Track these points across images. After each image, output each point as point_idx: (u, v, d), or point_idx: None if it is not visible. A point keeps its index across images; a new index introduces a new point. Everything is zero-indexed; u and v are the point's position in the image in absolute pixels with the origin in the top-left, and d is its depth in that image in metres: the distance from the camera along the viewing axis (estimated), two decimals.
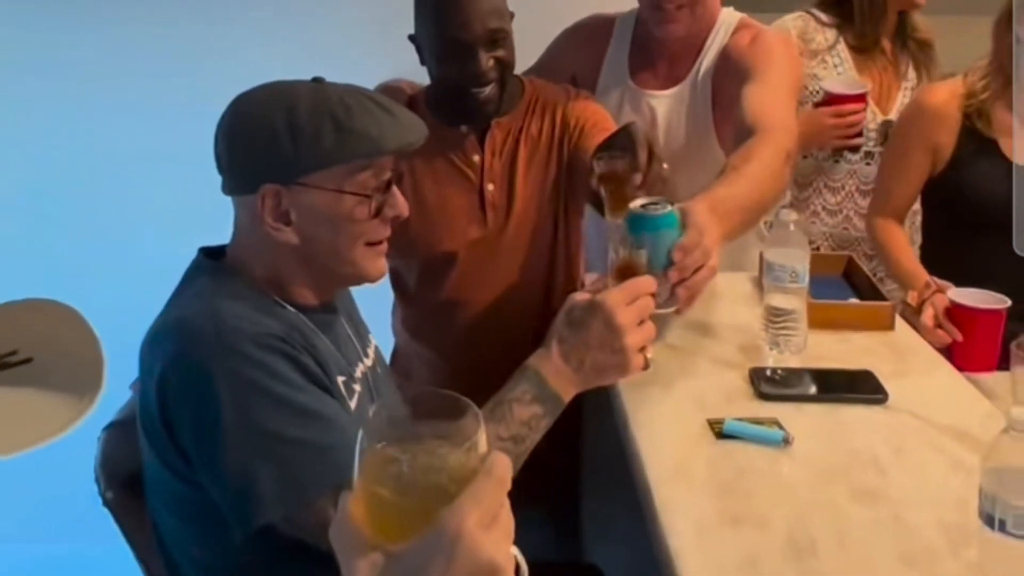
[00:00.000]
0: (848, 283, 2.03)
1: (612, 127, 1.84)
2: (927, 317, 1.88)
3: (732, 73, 1.94)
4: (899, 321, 1.87)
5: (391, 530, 0.62)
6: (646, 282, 1.31)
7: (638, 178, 1.44)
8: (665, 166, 1.49)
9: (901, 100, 2.42)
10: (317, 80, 1.30)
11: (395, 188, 1.32)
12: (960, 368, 1.76)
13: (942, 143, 2.10)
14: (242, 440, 1.14)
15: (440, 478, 0.63)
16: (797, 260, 1.71)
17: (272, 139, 1.23)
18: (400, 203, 1.32)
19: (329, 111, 1.23)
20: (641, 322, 1.30)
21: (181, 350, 1.18)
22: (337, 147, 1.22)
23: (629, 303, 1.29)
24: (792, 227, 1.74)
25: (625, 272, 1.35)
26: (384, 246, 1.34)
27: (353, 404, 1.30)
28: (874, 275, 2.11)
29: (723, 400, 1.57)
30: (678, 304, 1.41)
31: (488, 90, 1.75)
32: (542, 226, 1.88)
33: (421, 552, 0.60)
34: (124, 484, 1.39)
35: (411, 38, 1.82)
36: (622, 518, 1.73)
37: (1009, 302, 1.85)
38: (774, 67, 1.90)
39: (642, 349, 1.31)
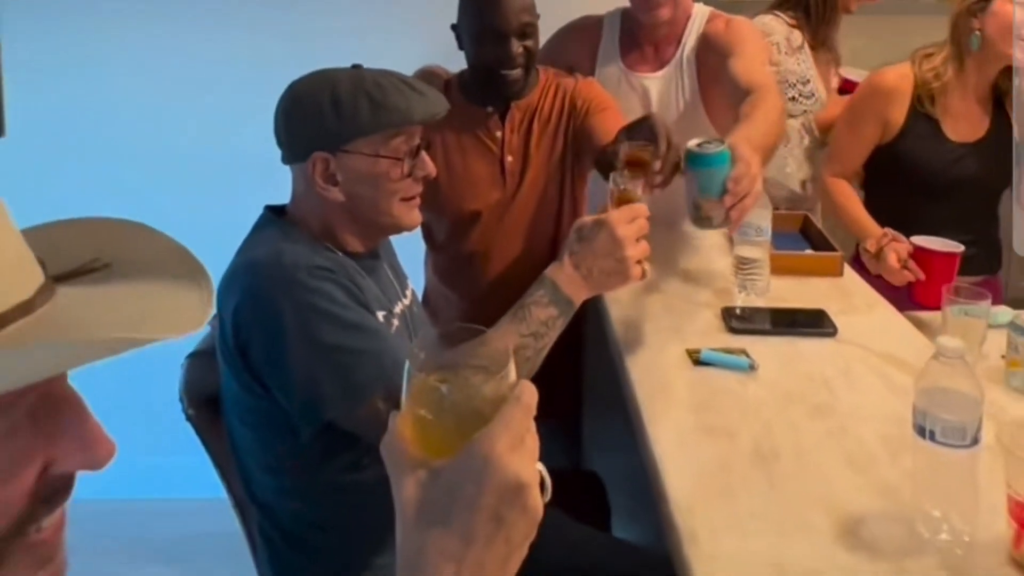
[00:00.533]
0: (804, 237, 2.02)
1: (613, 106, 1.85)
2: (892, 260, 1.88)
3: (714, 53, 1.94)
4: (847, 268, 1.87)
5: (433, 448, 0.61)
6: (642, 208, 1.34)
7: (658, 164, 1.45)
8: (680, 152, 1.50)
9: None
10: (356, 66, 1.32)
11: (424, 153, 1.33)
12: (920, 304, 1.77)
13: (892, 118, 2.08)
14: (305, 353, 1.17)
15: (475, 403, 0.61)
16: (761, 218, 1.71)
17: (319, 115, 1.26)
18: (428, 165, 1.33)
19: (365, 90, 1.26)
20: (639, 240, 1.31)
21: (251, 285, 1.20)
22: (373, 119, 1.25)
23: (629, 222, 1.30)
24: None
25: (623, 200, 1.38)
26: (417, 200, 1.35)
27: (393, 335, 1.31)
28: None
29: (699, 334, 1.57)
30: (731, 224, 1.45)
31: (515, 73, 1.77)
32: (551, 190, 1.89)
33: (457, 470, 0.59)
34: (203, 403, 1.40)
35: (453, 27, 1.84)
36: (617, 432, 1.73)
37: (963, 248, 1.86)
38: (749, 43, 1.91)
39: (639, 263, 1.32)
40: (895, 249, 1.90)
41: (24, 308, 0.53)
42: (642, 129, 1.53)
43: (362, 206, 1.30)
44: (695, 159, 1.41)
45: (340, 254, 1.31)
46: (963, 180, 2.00)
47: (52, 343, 0.51)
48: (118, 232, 0.58)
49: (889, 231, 1.96)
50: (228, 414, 1.32)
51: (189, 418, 1.40)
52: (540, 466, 0.61)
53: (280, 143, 1.33)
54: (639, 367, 1.47)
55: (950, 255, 1.86)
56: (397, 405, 0.63)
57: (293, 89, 1.31)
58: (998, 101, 2.08)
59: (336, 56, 1.40)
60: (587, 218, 1.33)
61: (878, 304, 1.73)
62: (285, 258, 1.20)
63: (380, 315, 1.30)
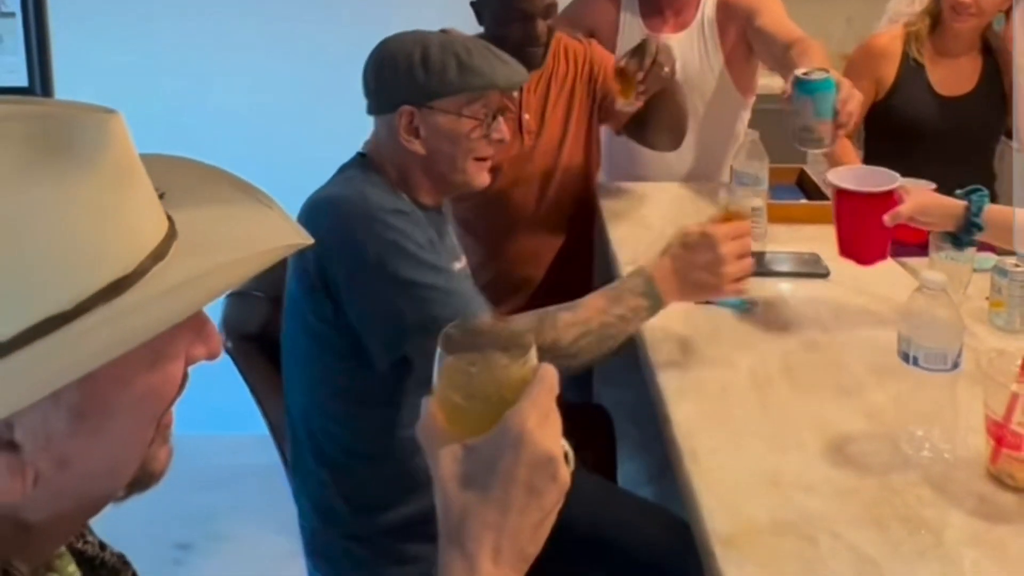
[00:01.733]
0: (800, 188, 2.04)
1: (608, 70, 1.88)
2: None
3: (735, 17, 1.99)
4: None
5: (465, 428, 0.63)
6: (747, 226, 1.30)
7: (640, 75, 1.57)
8: (667, 69, 1.63)
9: None
10: (444, 31, 1.36)
11: (500, 117, 1.34)
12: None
13: (884, 75, 2.11)
14: (386, 287, 1.20)
15: (502, 386, 0.63)
16: (759, 169, 1.73)
17: (409, 69, 1.28)
18: (503, 129, 1.35)
19: (454, 51, 1.29)
20: (741, 257, 1.26)
21: (336, 219, 1.23)
22: (459, 79, 1.28)
23: (733, 239, 1.26)
24: (754, 143, 1.76)
25: (731, 216, 1.32)
26: (488, 162, 1.36)
27: None
28: None
29: None
30: (834, 144, 1.55)
31: (540, 51, 1.79)
32: (567, 146, 1.91)
33: (493, 445, 0.60)
34: (241, 339, 1.45)
35: (473, 4, 1.85)
36: (623, 370, 1.76)
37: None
38: (768, 2, 1.97)
39: (738, 281, 1.28)
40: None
41: (170, 234, 0.56)
42: (637, 47, 1.64)
43: (440, 161, 1.32)
44: (808, 86, 1.48)
45: (416, 208, 1.33)
46: (953, 132, 2.01)
47: (233, 259, 0.55)
48: (154, 164, 0.59)
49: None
50: (290, 343, 1.34)
51: (227, 351, 1.44)
52: (564, 441, 0.63)
53: (368, 93, 1.36)
54: None
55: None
56: None
57: (387, 44, 1.34)
58: (989, 55, 2.07)
59: (353, 31, 1.42)
60: (693, 226, 1.30)
61: None
62: (370, 198, 1.24)
63: (455, 266, 1.34)
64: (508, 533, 0.60)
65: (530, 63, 1.79)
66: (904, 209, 1.37)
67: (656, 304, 1.27)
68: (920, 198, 1.40)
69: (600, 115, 1.95)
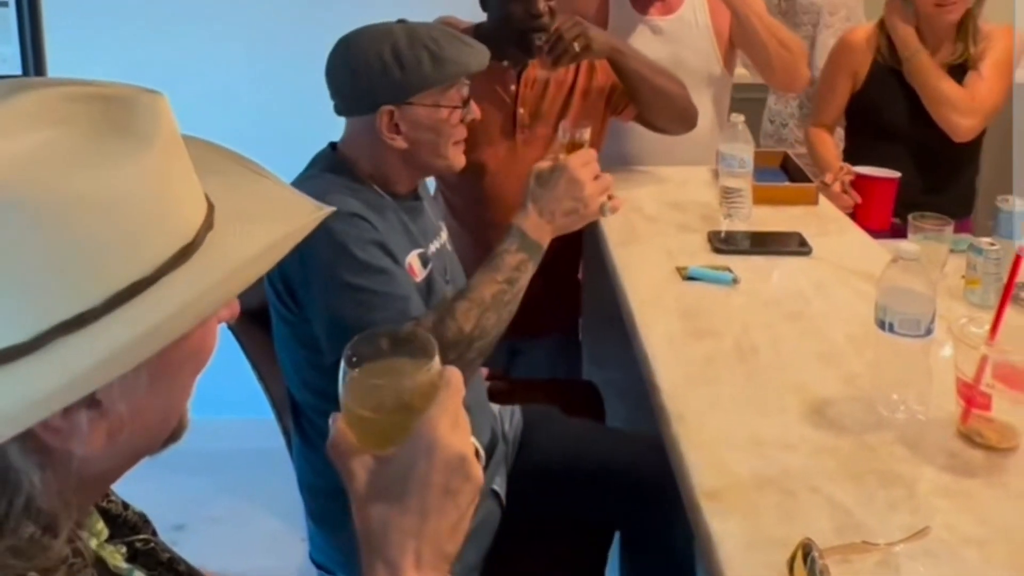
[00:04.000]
0: (784, 171, 2.09)
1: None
2: (836, 186, 1.96)
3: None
4: (821, 198, 1.94)
5: (376, 441, 0.64)
6: (592, 152, 1.40)
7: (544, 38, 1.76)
8: (571, 39, 1.73)
9: None
10: (401, 21, 1.35)
11: (472, 101, 1.38)
12: (862, 226, 1.84)
13: (860, 71, 2.15)
14: (332, 290, 1.24)
15: (409, 395, 0.64)
16: (744, 152, 1.77)
17: (384, 71, 1.29)
18: (475, 109, 1.38)
19: (423, 43, 1.30)
20: (596, 178, 1.37)
21: None
22: (435, 72, 1.30)
23: (584, 164, 1.36)
24: (740, 127, 1.80)
25: (574, 146, 1.47)
26: (463, 144, 1.40)
27: (425, 273, 1.36)
28: None
29: (688, 254, 1.64)
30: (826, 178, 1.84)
31: (542, 34, 1.78)
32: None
33: (406, 455, 0.62)
34: (240, 314, 1.48)
35: None
36: (613, 347, 1.81)
37: (899, 175, 1.96)
38: None
39: (607, 198, 1.38)
40: (840, 178, 1.97)
41: (211, 206, 0.60)
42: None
43: (422, 152, 1.35)
44: None
45: (387, 196, 1.35)
46: (926, 126, 2.05)
47: (286, 231, 0.60)
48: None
49: (845, 164, 2.03)
50: (276, 338, 1.39)
51: (228, 325, 1.47)
52: (473, 439, 0.67)
53: (338, 95, 1.36)
54: (633, 282, 1.55)
55: (888, 181, 1.95)
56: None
57: (351, 44, 1.33)
58: (964, 46, 2.12)
59: (350, 15, 1.43)
60: (544, 163, 1.38)
61: (850, 228, 1.81)
62: (327, 199, 1.25)
63: (416, 253, 1.35)
64: (428, 537, 0.62)
65: (533, 47, 1.81)
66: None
67: (536, 251, 1.33)
68: None
69: (614, 108, 1.96)
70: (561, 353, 2.03)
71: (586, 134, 1.47)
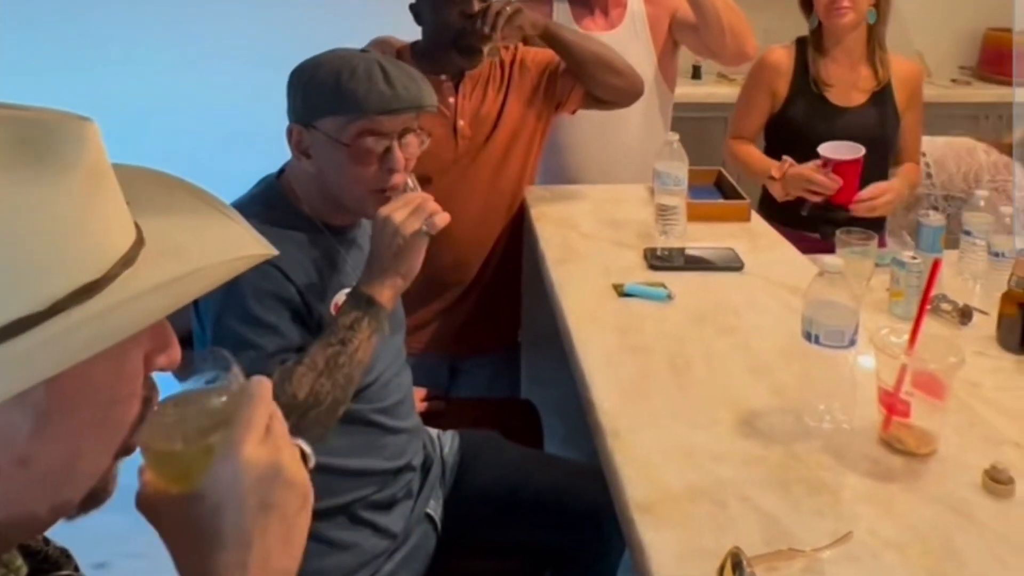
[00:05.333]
0: (718, 189, 2.15)
1: (546, 59, 1.95)
2: (809, 171, 2.00)
3: (663, 10, 2.15)
4: (754, 214, 2.00)
5: (181, 481, 0.61)
6: (410, 195, 1.29)
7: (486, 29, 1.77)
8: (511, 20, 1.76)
9: None
10: (364, 50, 1.34)
11: (395, 148, 1.27)
12: (841, 204, 1.98)
13: (778, 90, 2.22)
14: (219, 332, 1.23)
15: (204, 420, 0.61)
16: (679, 169, 1.82)
17: (297, 88, 1.30)
18: (396, 160, 1.27)
19: (337, 71, 1.24)
20: (414, 211, 1.26)
21: None
22: (330, 100, 1.25)
23: (398, 208, 1.26)
24: (675, 145, 1.85)
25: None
26: (385, 193, 1.29)
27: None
28: None
29: (624, 271, 1.68)
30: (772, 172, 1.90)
31: (477, 41, 1.79)
32: (502, 151, 1.94)
33: (213, 484, 0.59)
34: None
35: (411, 7, 1.88)
36: (551, 365, 1.83)
37: (863, 150, 2.02)
38: None
39: (424, 218, 1.26)
40: (802, 167, 2.01)
41: (138, 241, 0.57)
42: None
43: (328, 183, 1.30)
44: None
45: (324, 231, 1.32)
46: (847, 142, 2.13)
47: (202, 267, 0.56)
48: (119, 172, 0.60)
49: (788, 158, 2.08)
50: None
51: None
52: (298, 441, 0.63)
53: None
54: (570, 299, 1.57)
55: (853, 161, 2.01)
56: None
57: (305, 61, 1.32)
58: (876, 69, 2.21)
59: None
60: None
61: (780, 244, 1.86)
62: None
63: (345, 293, 1.30)
64: (256, 563, 0.59)
65: (469, 48, 1.83)
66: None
67: (370, 306, 1.24)
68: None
69: (559, 98, 1.97)
70: (503, 371, 2.04)
71: (411, 181, 1.33)
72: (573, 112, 2.00)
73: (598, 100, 1.96)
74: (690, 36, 2.17)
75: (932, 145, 2.51)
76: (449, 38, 1.82)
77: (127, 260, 0.55)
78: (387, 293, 1.26)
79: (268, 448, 0.60)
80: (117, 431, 0.58)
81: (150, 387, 0.60)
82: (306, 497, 0.62)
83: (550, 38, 1.87)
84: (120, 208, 0.57)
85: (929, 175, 2.50)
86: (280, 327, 1.23)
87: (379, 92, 1.24)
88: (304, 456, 0.63)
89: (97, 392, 0.55)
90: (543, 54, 1.96)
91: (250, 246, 0.62)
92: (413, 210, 1.26)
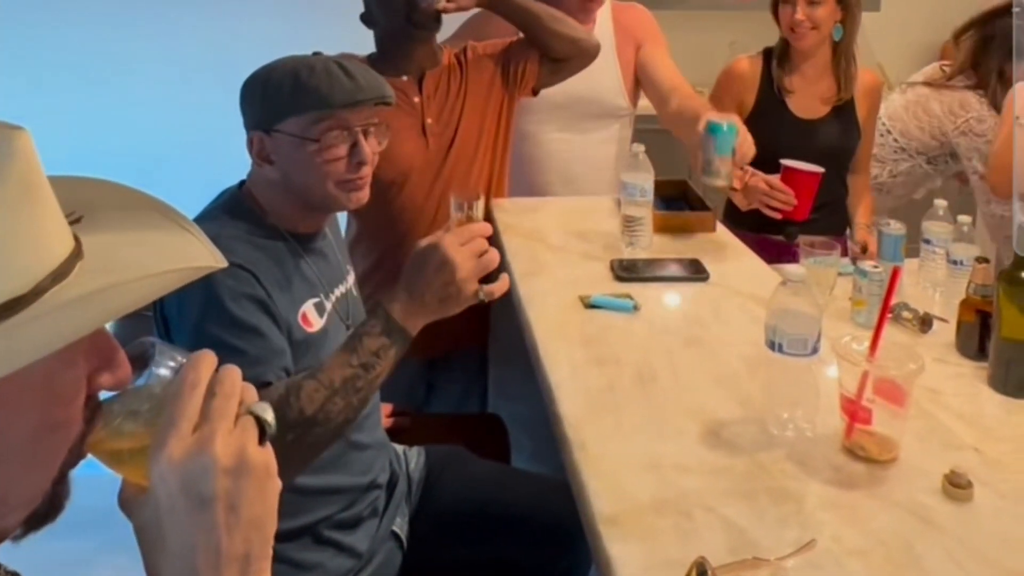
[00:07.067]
0: (684, 200, 2.17)
1: (499, 46, 1.99)
2: (762, 184, 1.99)
3: (630, 36, 2.21)
4: (719, 225, 2.02)
5: (144, 478, 0.60)
6: (480, 226, 1.26)
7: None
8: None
9: None
10: (316, 53, 1.34)
11: (362, 140, 1.29)
12: (790, 219, 2.00)
13: (745, 101, 2.26)
14: (200, 341, 1.19)
15: (146, 410, 0.60)
16: (644, 181, 1.84)
17: (253, 95, 1.30)
18: (362, 152, 1.29)
19: (294, 72, 1.27)
20: (480, 256, 1.23)
21: None
22: (291, 100, 1.26)
23: (463, 243, 1.21)
24: (641, 156, 1.87)
25: (462, 223, 1.28)
26: (357, 183, 1.31)
27: (322, 323, 1.32)
28: None
29: (590, 282, 1.68)
30: (731, 183, 1.81)
31: (428, 29, 1.83)
32: (472, 147, 1.95)
33: (156, 489, 0.58)
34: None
35: (362, 16, 1.90)
36: (519, 379, 1.82)
37: (823, 170, 2.03)
38: (656, 35, 2.24)
39: (481, 283, 1.23)
40: (763, 178, 2.02)
41: (74, 254, 0.55)
42: None
43: (294, 185, 1.30)
44: (716, 128, 1.74)
45: (290, 239, 1.31)
46: (810, 153, 2.17)
47: (132, 278, 0.54)
48: (75, 186, 0.60)
49: (749, 167, 2.10)
50: None
51: None
52: (256, 409, 0.60)
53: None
54: (537, 311, 1.58)
55: (813, 174, 2.03)
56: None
57: (258, 70, 1.32)
58: (839, 80, 2.26)
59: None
60: (423, 241, 1.24)
61: (745, 254, 1.89)
62: (217, 246, 1.22)
63: (313, 303, 1.31)
64: (207, 564, 0.57)
65: (429, 22, 1.84)
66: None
67: (401, 338, 1.21)
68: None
69: (516, 76, 1.97)
70: (475, 385, 2.04)
71: (478, 207, 1.30)
72: (534, 92, 2.02)
73: (555, 61, 1.96)
74: (646, 84, 2.23)
75: (891, 109, 2.55)
76: (403, 18, 1.83)
77: (58, 274, 0.53)
78: (419, 325, 1.23)
79: (196, 439, 0.57)
80: (52, 457, 0.55)
81: (94, 408, 0.58)
82: (263, 470, 0.59)
83: (498, 3, 1.89)
84: (55, 220, 0.55)
85: (903, 148, 2.54)
86: (261, 328, 1.22)
87: (342, 86, 1.26)
88: (262, 426, 0.60)
89: (23, 417, 0.52)
90: (496, 43, 2.00)
91: (198, 258, 0.60)
92: (478, 261, 1.22)
